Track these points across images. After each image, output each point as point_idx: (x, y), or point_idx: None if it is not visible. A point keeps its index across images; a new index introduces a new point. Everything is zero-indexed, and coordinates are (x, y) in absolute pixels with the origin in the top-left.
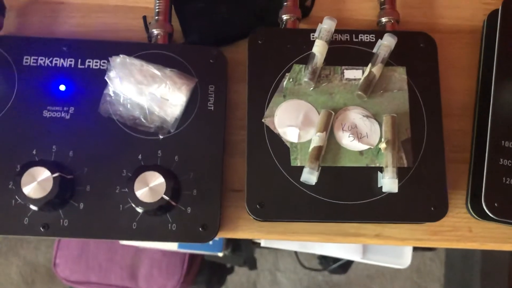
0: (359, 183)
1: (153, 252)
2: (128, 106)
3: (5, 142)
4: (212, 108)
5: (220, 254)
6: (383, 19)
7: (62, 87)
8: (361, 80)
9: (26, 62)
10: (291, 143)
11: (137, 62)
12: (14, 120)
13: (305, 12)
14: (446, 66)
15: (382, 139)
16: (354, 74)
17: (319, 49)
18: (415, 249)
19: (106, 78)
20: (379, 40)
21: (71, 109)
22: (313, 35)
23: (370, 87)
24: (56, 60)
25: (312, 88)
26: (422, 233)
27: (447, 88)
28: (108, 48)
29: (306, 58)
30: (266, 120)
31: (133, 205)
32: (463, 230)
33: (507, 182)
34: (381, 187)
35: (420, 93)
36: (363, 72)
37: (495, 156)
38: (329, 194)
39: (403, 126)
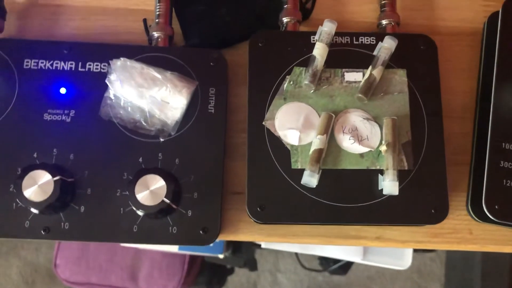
0: (360, 186)
1: (154, 253)
2: (129, 109)
3: (6, 145)
4: (213, 111)
5: (221, 256)
6: (384, 22)
7: (63, 90)
8: (361, 83)
9: (27, 65)
10: (292, 145)
11: (137, 65)
12: (15, 123)
13: (305, 14)
14: (446, 68)
15: (383, 142)
16: (355, 76)
17: (319, 51)
18: (416, 250)
19: (106, 81)
20: (380, 42)
21: (72, 112)
22: (314, 38)
23: (370, 89)
24: (57, 63)
25: (312, 91)
26: (423, 235)
27: (448, 90)
28: (109, 51)
29: (307, 61)
30: (266, 123)
31: (134, 208)
32: (464, 232)
33: (508, 185)
34: (382, 189)
35: (421, 96)
36: (363, 75)
37: (495, 158)
38: (330, 196)
39: (404, 128)
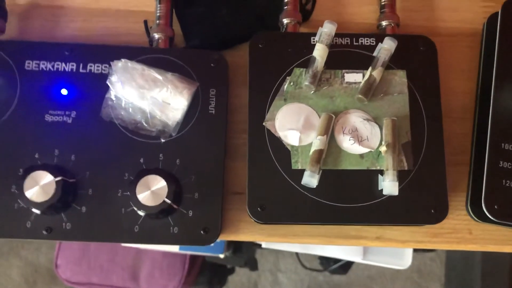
0: (360, 186)
1: (154, 253)
2: (130, 110)
3: (7, 146)
4: (213, 111)
5: (222, 256)
6: (383, 23)
7: (64, 91)
8: (361, 84)
9: (28, 66)
10: (292, 146)
11: (138, 67)
12: (16, 124)
13: (305, 15)
14: (446, 69)
15: (383, 142)
16: (355, 77)
17: (319, 52)
18: (416, 249)
19: (108, 82)
20: (380, 43)
21: (73, 113)
22: (314, 39)
23: (370, 90)
24: (58, 64)
25: (312, 92)
26: (423, 235)
27: (447, 91)
28: (110, 52)
29: (307, 62)
30: (267, 124)
31: (135, 209)
32: (463, 232)
33: (507, 185)
34: (382, 190)
35: (420, 96)
36: (363, 76)
37: (495, 159)
38: (330, 197)
39: (404, 129)
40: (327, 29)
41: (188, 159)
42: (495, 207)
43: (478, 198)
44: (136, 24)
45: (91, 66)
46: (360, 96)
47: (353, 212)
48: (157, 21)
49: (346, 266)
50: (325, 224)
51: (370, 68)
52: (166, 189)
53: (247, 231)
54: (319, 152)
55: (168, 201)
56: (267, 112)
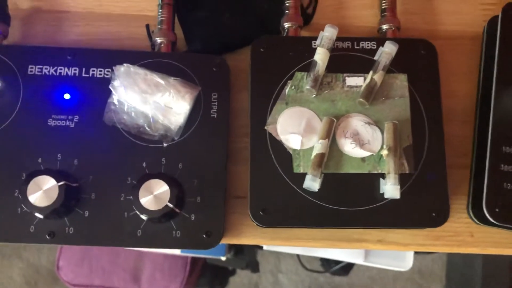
0: (362, 190)
1: (156, 255)
2: (133, 114)
3: (10, 150)
4: (215, 115)
5: (223, 258)
6: (384, 26)
7: (67, 96)
8: (362, 87)
9: (31, 71)
10: (294, 150)
11: (141, 71)
12: (19, 128)
13: (306, 20)
14: (446, 73)
15: (384, 146)
16: (356, 81)
17: (320, 56)
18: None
19: (110, 87)
20: (380, 47)
21: (76, 118)
22: (315, 43)
23: (371, 94)
24: (61, 69)
25: (314, 96)
26: (424, 238)
27: (448, 94)
28: (112, 56)
29: (308, 66)
30: (268, 128)
31: (138, 213)
32: (465, 235)
33: (508, 188)
34: (383, 193)
35: (421, 100)
36: (364, 79)
37: (496, 162)
38: (332, 200)
39: (405, 132)
40: (328, 33)
41: (191, 163)
42: (496, 210)
43: (479, 201)
44: (139, 29)
45: (93, 70)
46: (361, 99)
47: (355, 216)
48: (159, 26)
49: (347, 268)
50: (327, 228)
51: (371, 72)
52: (169, 193)
53: (250, 235)
54: (321, 155)
55: (171, 205)
56: (269, 116)
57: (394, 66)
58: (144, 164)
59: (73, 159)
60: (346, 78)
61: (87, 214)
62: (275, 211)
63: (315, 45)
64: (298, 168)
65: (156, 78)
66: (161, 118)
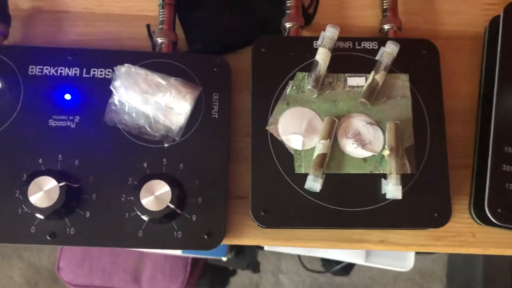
0: (363, 190)
1: (156, 256)
2: (133, 115)
3: (11, 151)
4: (216, 116)
5: (224, 259)
6: (386, 26)
7: (68, 96)
8: (364, 88)
9: (32, 71)
10: (295, 150)
11: (142, 72)
12: (20, 129)
13: (307, 20)
14: (448, 72)
15: (386, 146)
16: (357, 81)
17: (322, 56)
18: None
19: (111, 87)
20: (382, 47)
21: (77, 118)
22: (316, 43)
23: (373, 94)
24: (61, 69)
25: (315, 96)
26: (426, 238)
27: (450, 94)
28: (113, 57)
29: (309, 66)
30: (270, 128)
31: (139, 213)
32: (466, 236)
33: (510, 188)
34: (385, 193)
35: (423, 100)
36: (366, 80)
37: (498, 162)
38: (334, 201)
39: (407, 133)
40: (330, 33)
41: (192, 164)
42: (498, 210)
43: (481, 202)
44: (139, 29)
45: (94, 71)
46: (363, 100)
47: (357, 216)
48: (160, 26)
49: (348, 268)
50: (329, 228)
51: (372, 72)
52: (170, 194)
53: (251, 235)
54: (322, 156)
55: (172, 206)
56: (270, 116)
57: (396, 66)
58: (145, 165)
59: (74, 159)
60: (348, 78)
61: (88, 214)
62: (277, 211)
63: (316, 45)
64: (300, 169)
65: (157, 78)
66: (162, 118)
